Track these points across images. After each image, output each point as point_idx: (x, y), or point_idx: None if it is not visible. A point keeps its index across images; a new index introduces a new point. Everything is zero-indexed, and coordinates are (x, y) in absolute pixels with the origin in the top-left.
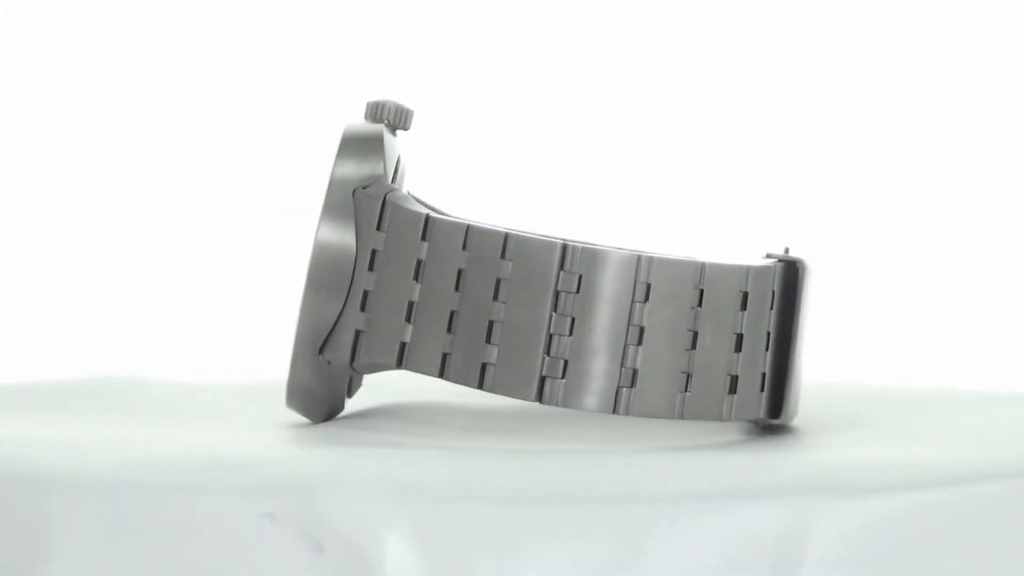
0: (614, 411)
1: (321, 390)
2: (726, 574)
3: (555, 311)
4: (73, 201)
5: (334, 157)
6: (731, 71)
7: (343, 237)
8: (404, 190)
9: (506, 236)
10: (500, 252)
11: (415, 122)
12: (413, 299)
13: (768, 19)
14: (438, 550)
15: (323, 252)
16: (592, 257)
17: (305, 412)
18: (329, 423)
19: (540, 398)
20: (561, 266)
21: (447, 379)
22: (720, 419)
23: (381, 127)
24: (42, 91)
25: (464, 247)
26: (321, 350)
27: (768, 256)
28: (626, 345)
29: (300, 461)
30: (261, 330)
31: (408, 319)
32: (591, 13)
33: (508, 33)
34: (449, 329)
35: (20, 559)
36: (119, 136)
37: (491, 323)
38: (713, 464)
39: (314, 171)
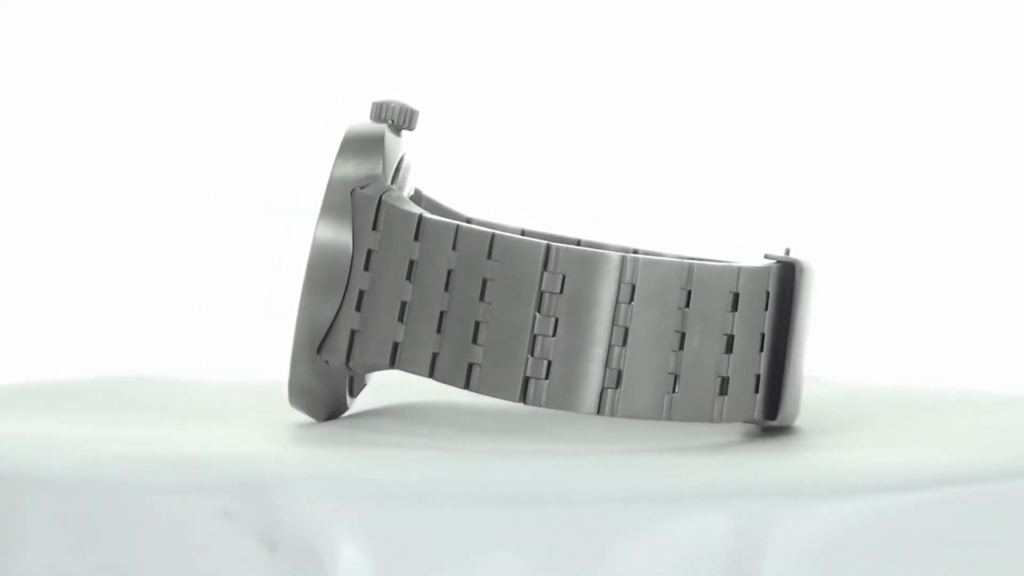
0: (598, 412)
1: (321, 389)
2: None
3: (539, 312)
4: (72, 201)
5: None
6: (736, 71)
7: (340, 237)
8: (408, 189)
9: (492, 237)
10: (487, 253)
11: (424, 122)
12: (406, 299)
13: (769, 19)
14: (392, 552)
15: (320, 252)
16: (575, 258)
17: (307, 411)
18: (333, 422)
19: (524, 399)
20: (545, 267)
21: (436, 379)
22: (711, 420)
23: (383, 127)
24: (44, 93)
25: (454, 247)
26: (319, 350)
27: (766, 257)
28: (610, 346)
29: (266, 460)
30: (266, 329)
31: (401, 319)
32: (595, 15)
33: (515, 35)
34: (439, 329)
35: None
36: (121, 136)
37: (477, 323)
38: (683, 466)
39: (319, 171)
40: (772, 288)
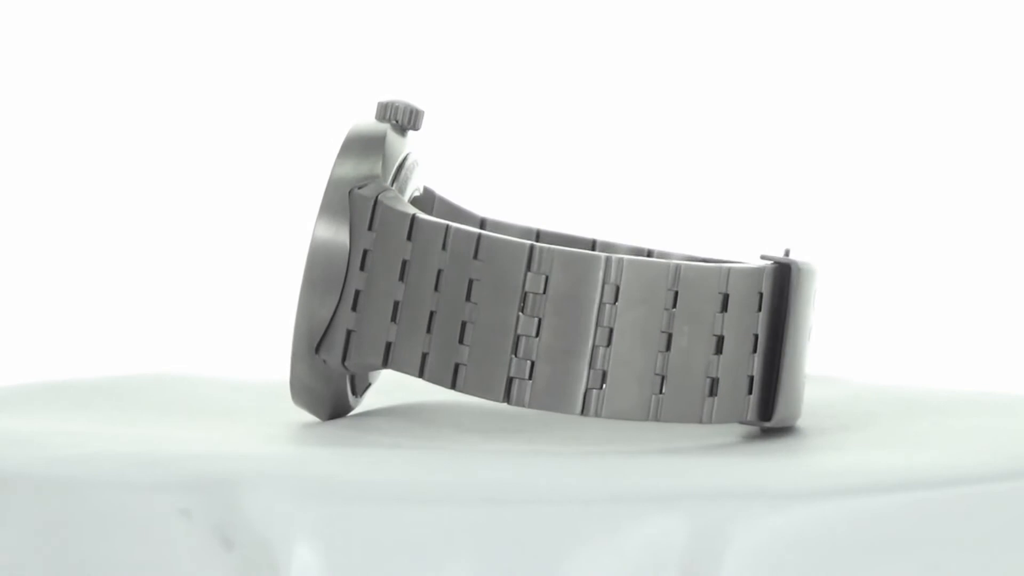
0: (582, 412)
1: (321, 388)
2: None
3: (523, 312)
4: (72, 201)
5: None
6: (748, 73)
7: (337, 237)
8: (412, 188)
9: (479, 237)
10: (473, 253)
11: (444, 123)
12: (399, 299)
13: (772, 19)
14: (346, 553)
15: (318, 251)
16: (559, 258)
17: (310, 409)
18: (335, 422)
19: (508, 399)
20: (528, 267)
21: (426, 379)
22: (700, 422)
23: (385, 127)
24: (71, 94)
25: (443, 247)
26: (317, 349)
27: (763, 258)
28: (594, 346)
29: (232, 459)
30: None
31: (393, 319)
32: (600, 17)
33: (531, 35)
34: (428, 329)
35: None
36: (136, 134)
37: (463, 323)
38: (650, 467)
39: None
40: (766, 289)
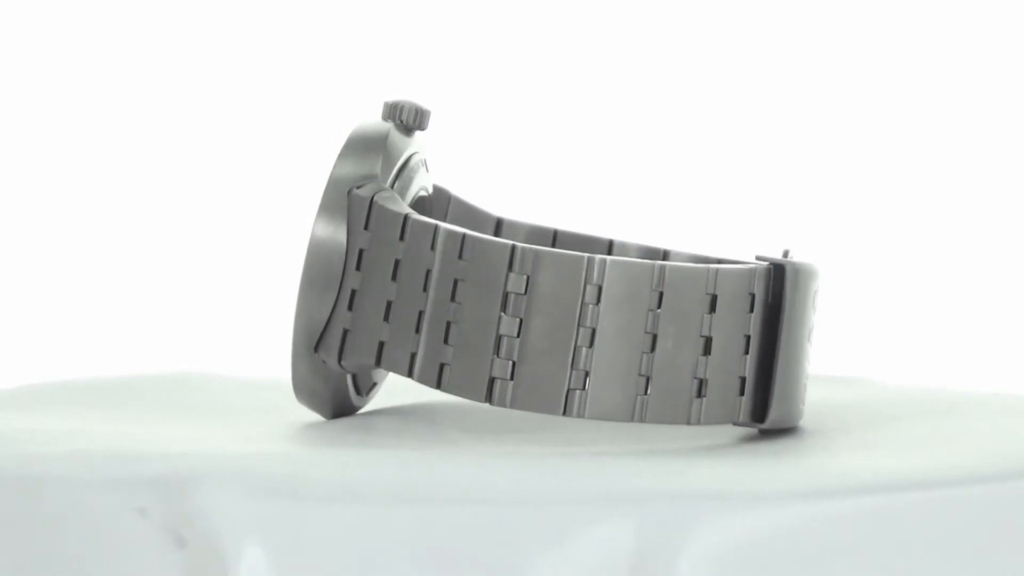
0: (565, 413)
1: (321, 388)
2: None
3: (505, 312)
4: (72, 200)
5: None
6: (754, 73)
7: (335, 236)
8: (415, 188)
9: (463, 236)
10: (458, 253)
11: (458, 121)
12: (391, 299)
13: (775, 20)
14: (295, 552)
15: (316, 251)
16: (539, 259)
17: (312, 408)
18: (337, 421)
19: (490, 399)
20: (510, 267)
21: (415, 379)
22: (688, 423)
23: (387, 127)
24: (89, 95)
25: (432, 247)
26: (316, 348)
27: (758, 259)
28: (576, 347)
29: (191, 457)
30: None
31: (386, 319)
32: (604, 19)
33: (549, 36)
34: (417, 329)
35: None
36: (152, 132)
37: (448, 324)
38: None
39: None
40: (759, 290)
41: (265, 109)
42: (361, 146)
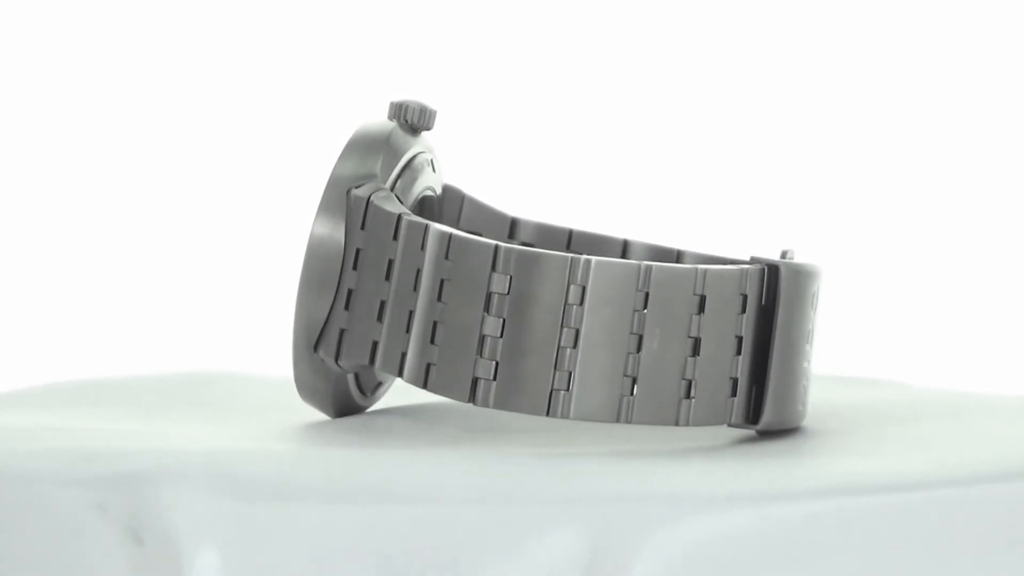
0: (548, 414)
1: (322, 387)
2: None
3: (487, 312)
4: (75, 199)
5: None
6: (757, 73)
7: (333, 236)
8: (419, 188)
9: (449, 236)
10: (445, 252)
11: (475, 122)
12: (385, 299)
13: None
14: (250, 551)
15: (315, 250)
16: (523, 259)
17: (317, 407)
18: (340, 420)
19: (473, 399)
20: (493, 267)
21: (404, 379)
22: (676, 424)
23: (390, 127)
24: (101, 96)
25: (422, 247)
26: (316, 348)
27: (752, 259)
28: (559, 348)
29: (154, 455)
30: None
31: (379, 319)
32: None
33: (556, 37)
34: (407, 329)
35: None
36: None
37: (435, 323)
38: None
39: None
40: (751, 291)
41: (284, 109)
42: (362, 146)
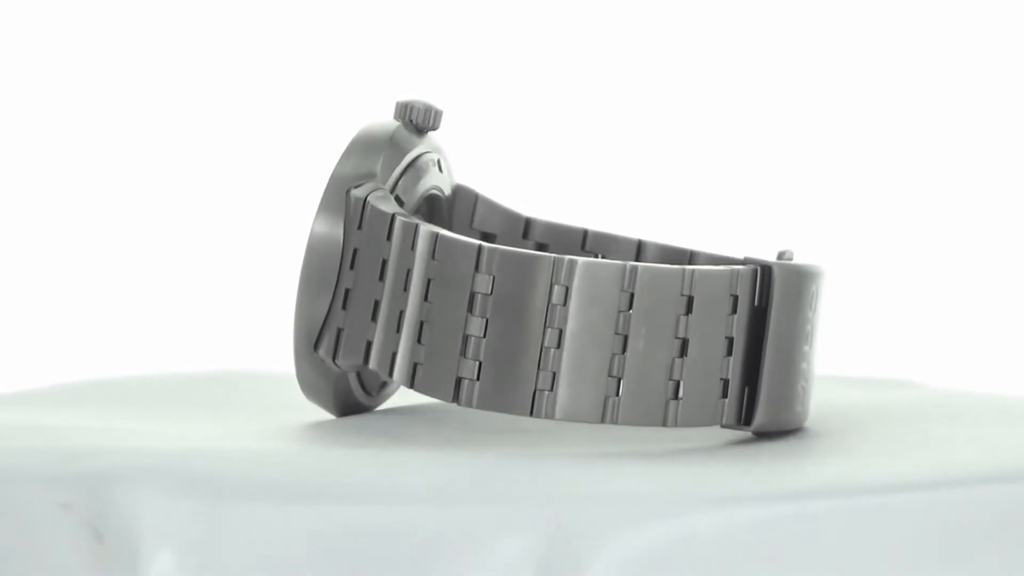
0: (532, 414)
1: (324, 386)
2: None
3: (471, 312)
4: (76, 200)
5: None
6: (759, 73)
7: (332, 236)
8: (423, 187)
9: (436, 236)
10: (431, 252)
11: (477, 121)
12: (379, 298)
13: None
14: (207, 551)
15: (314, 250)
16: (506, 259)
17: (321, 406)
18: (343, 419)
19: (457, 399)
20: (477, 267)
21: (394, 379)
22: (664, 425)
23: (392, 127)
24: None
25: (413, 247)
26: (315, 347)
27: (746, 260)
28: (543, 348)
29: (127, 453)
30: None
31: (373, 318)
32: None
33: (566, 37)
34: (398, 329)
35: None
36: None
37: (422, 323)
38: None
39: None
40: (743, 292)
41: (298, 109)
42: (363, 146)
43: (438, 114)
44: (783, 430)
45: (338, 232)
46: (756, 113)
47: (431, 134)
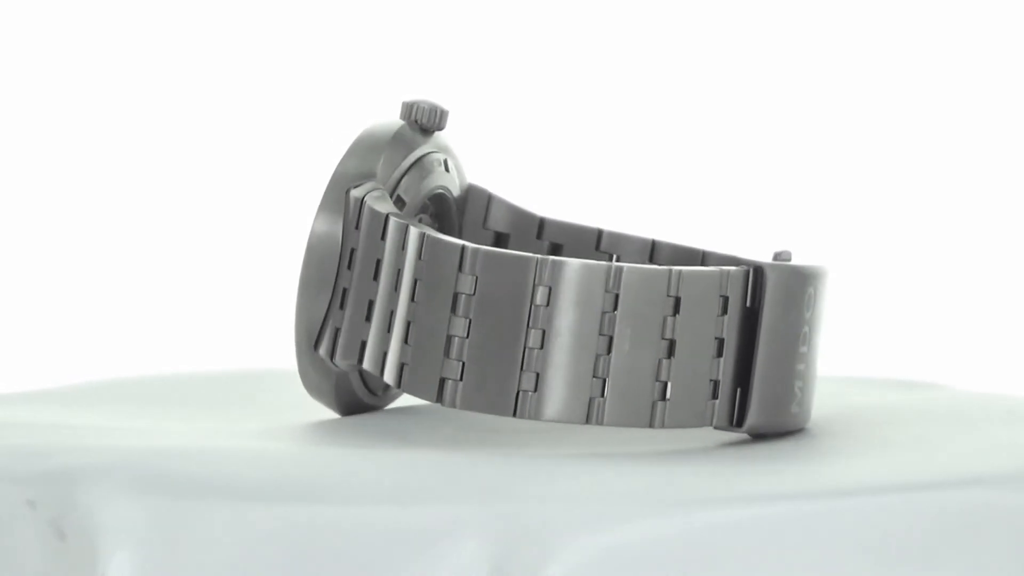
0: (515, 415)
1: (325, 385)
2: None
3: (454, 313)
4: (79, 199)
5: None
6: (760, 73)
7: (331, 235)
8: (431, 187)
9: (422, 236)
10: (418, 252)
11: (490, 121)
12: (373, 298)
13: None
14: (164, 549)
15: (314, 249)
16: (488, 260)
17: (324, 405)
18: (346, 419)
19: (440, 400)
20: (460, 268)
21: (384, 379)
22: (651, 426)
23: (395, 126)
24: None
25: (403, 247)
26: (316, 346)
27: (739, 261)
28: (527, 349)
29: (91, 452)
30: None
31: (368, 318)
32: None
33: (576, 37)
34: (388, 329)
35: None
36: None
37: (409, 324)
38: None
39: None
40: (733, 293)
41: (311, 109)
42: (365, 146)
43: (444, 114)
44: (780, 432)
45: (337, 232)
46: (777, 113)
47: (439, 134)
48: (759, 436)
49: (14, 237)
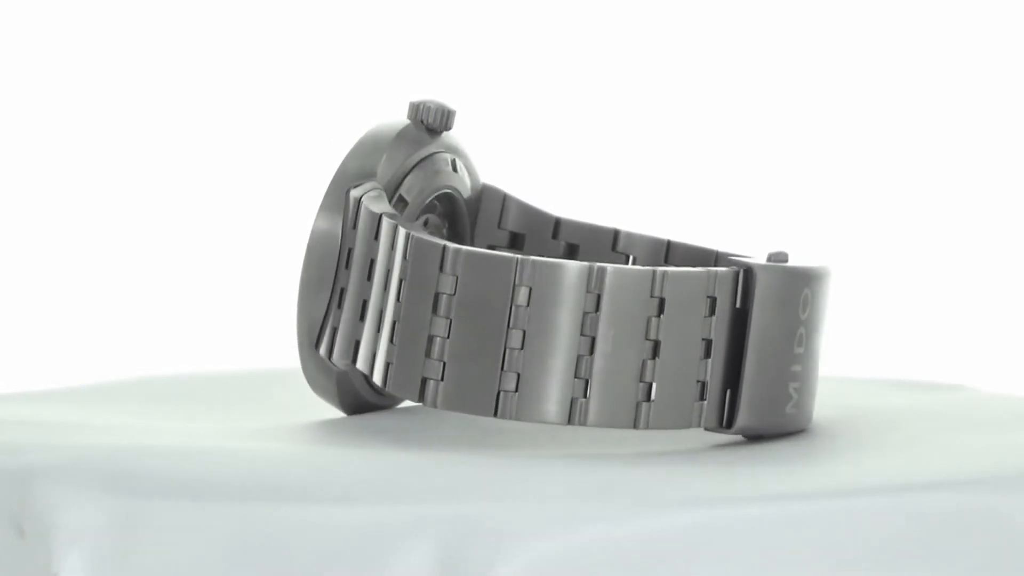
0: (496, 415)
1: (328, 384)
2: None
3: (435, 313)
4: (78, 200)
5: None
6: (760, 73)
7: (331, 235)
8: (436, 188)
9: (408, 236)
10: (404, 252)
11: (502, 121)
12: (367, 298)
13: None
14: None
15: (314, 249)
16: (468, 260)
17: (329, 404)
18: (349, 419)
19: (423, 399)
20: (441, 268)
21: (373, 379)
22: (634, 427)
23: (399, 126)
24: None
25: (392, 246)
26: (316, 345)
27: (731, 261)
28: (507, 349)
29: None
30: None
31: (362, 318)
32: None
33: (586, 36)
34: (378, 329)
35: None
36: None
37: (394, 323)
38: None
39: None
40: (721, 294)
41: (326, 109)
42: (368, 145)
43: (450, 114)
44: (776, 433)
45: (336, 231)
46: (791, 114)
47: (449, 134)
48: (755, 438)
49: (14, 237)
